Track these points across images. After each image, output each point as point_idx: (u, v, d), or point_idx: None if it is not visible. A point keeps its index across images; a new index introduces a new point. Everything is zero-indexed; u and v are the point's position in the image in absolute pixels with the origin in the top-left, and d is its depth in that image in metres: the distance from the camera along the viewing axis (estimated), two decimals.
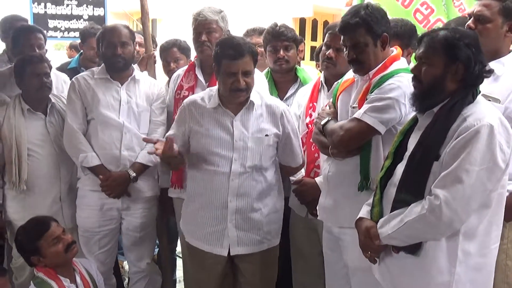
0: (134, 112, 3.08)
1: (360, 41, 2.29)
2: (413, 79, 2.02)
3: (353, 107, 2.38)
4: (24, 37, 3.38)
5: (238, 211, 2.59)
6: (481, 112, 1.88)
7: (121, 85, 3.09)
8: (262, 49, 3.27)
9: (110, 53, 3.02)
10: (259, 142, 2.58)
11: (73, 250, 2.67)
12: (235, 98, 2.55)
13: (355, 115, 2.29)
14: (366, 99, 2.30)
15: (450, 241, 1.90)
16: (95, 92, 3.04)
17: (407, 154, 2.01)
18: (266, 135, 2.60)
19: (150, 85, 3.18)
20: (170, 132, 2.72)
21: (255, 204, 2.61)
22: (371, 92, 2.29)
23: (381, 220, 2.03)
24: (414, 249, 1.95)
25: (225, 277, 2.72)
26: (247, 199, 2.59)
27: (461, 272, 1.91)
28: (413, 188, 1.92)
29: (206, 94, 2.68)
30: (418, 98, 1.99)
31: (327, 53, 2.77)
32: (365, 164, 2.32)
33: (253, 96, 2.59)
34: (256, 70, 2.64)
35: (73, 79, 3.16)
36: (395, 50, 2.40)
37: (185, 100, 2.74)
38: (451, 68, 1.91)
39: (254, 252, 2.65)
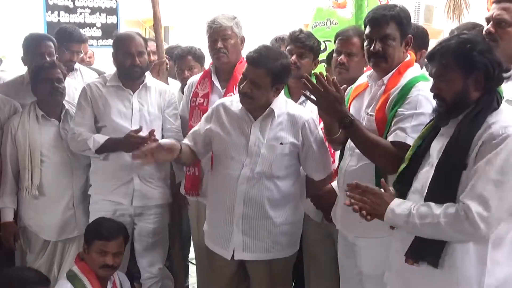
0: (146, 120, 3.08)
1: (390, 33, 2.27)
2: (436, 97, 1.96)
3: (370, 115, 2.34)
4: (34, 45, 3.40)
5: (245, 216, 2.57)
6: (506, 120, 1.83)
7: (133, 92, 3.10)
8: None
9: (129, 63, 3.01)
10: (271, 150, 2.56)
11: (105, 271, 2.74)
12: (242, 103, 2.57)
13: (399, 139, 2.18)
14: (392, 110, 2.23)
15: (479, 250, 1.84)
16: (107, 100, 3.05)
17: (431, 161, 1.95)
18: (281, 143, 2.56)
19: (161, 92, 3.19)
20: (195, 128, 2.77)
21: (265, 212, 2.57)
22: (396, 106, 2.23)
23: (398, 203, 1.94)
24: (435, 260, 1.86)
25: (233, 282, 2.72)
26: (255, 206, 2.56)
27: (490, 282, 1.84)
28: (444, 199, 1.85)
29: (236, 97, 2.69)
30: (444, 115, 1.94)
31: (338, 59, 2.78)
32: (380, 177, 2.23)
33: (276, 103, 2.57)
34: None
35: (85, 85, 3.17)
36: (409, 56, 2.39)
37: (218, 101, 2.79)
38: (470, 80, 1.87)
39: (259, 259, 2.62)
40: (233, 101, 2.67)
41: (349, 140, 2.43)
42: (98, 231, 2.78)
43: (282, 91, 2.70)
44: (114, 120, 3.03)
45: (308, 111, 2.92)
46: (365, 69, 2.88)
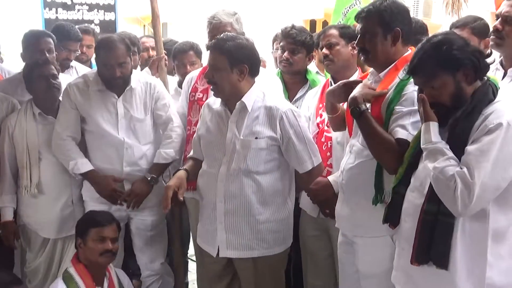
0: (133, 125, 3.03)
1: (369, 30, 2.26)
2: (434, 106, 1.92)
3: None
4: (34, 42, 3.39)
5: (227, 214, 2.56)
6: (502, 110, 1.82)
7: (118, 96, 3.01)
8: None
9: (109, 75, 2.93)
10: (246, 145, 2.50)
11: (106, 257, 2.74)
12: (213, 93, 2.60)
13: (402, 136, 2.15)
14: (389, 108, 2.21)
15: (478, 246, 1.83)
16: (91, 105, 2.99)
17: None
18: (256, 138, 2.50)
19: (146, 88, 3.09)
20: (194, 136, 2.80)
21: (247, 209, 2.53)
22: (392, 104, 2.21)
23: None
24: (444, 261, 1.84)
25: (224, 279, 2.73)
26: (236, 203, 2.53)
27: (493, 276, 1.83)
28: None
29: None
30: (444, 117, 1.91)
31: (320, 53, 2.89)
32: (378, 177, 2.24)
33: (249, 96, 2.53)
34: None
35: (67, 86, 3.06)
36: (410, 50, 2.35)
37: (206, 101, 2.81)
38: (459, 77, 1.86)
39: (244, 257, 2.59)
40: (216, 100, 2.65)
41: (350, 138, 2.43)
42: (91, 219, 2.80)
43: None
44: (101, 127, 2.99)
45: (305, 108, 2.93)
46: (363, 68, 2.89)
